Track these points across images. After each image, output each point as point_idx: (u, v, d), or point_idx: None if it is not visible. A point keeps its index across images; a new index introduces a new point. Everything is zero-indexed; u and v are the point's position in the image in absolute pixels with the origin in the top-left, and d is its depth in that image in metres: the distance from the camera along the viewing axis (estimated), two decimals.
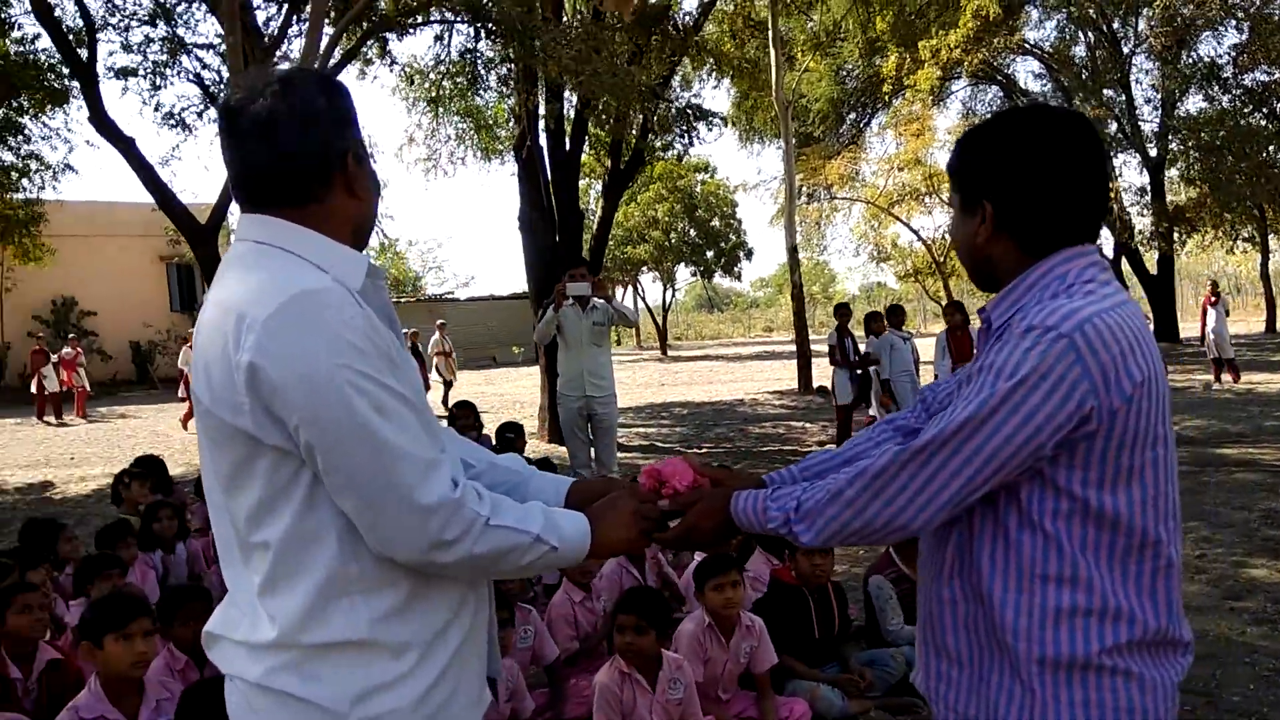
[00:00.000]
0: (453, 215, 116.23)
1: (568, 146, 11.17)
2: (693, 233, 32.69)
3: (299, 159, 1.39)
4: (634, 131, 11.70)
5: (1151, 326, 17.11)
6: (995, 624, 1.36)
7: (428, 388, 15.97)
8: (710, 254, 32.44)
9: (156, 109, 11.82)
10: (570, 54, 7.83)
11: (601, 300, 6.42)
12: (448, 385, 16.76)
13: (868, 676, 3.61)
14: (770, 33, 14.43)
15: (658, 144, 12.82)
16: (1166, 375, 1.40)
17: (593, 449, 6.55)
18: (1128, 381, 1.29)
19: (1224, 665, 3.83)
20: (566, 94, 10.83)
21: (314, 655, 1.32)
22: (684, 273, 36.36)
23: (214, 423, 1.34)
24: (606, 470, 6.39)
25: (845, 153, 20.75)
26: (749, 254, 32.37)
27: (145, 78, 11.61)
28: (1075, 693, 1.32)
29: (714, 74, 14.98)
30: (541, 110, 10.78)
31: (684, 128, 13.21)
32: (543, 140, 11.19)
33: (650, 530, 1.55)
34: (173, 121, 11.76)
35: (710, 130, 14.97)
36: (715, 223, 32.09)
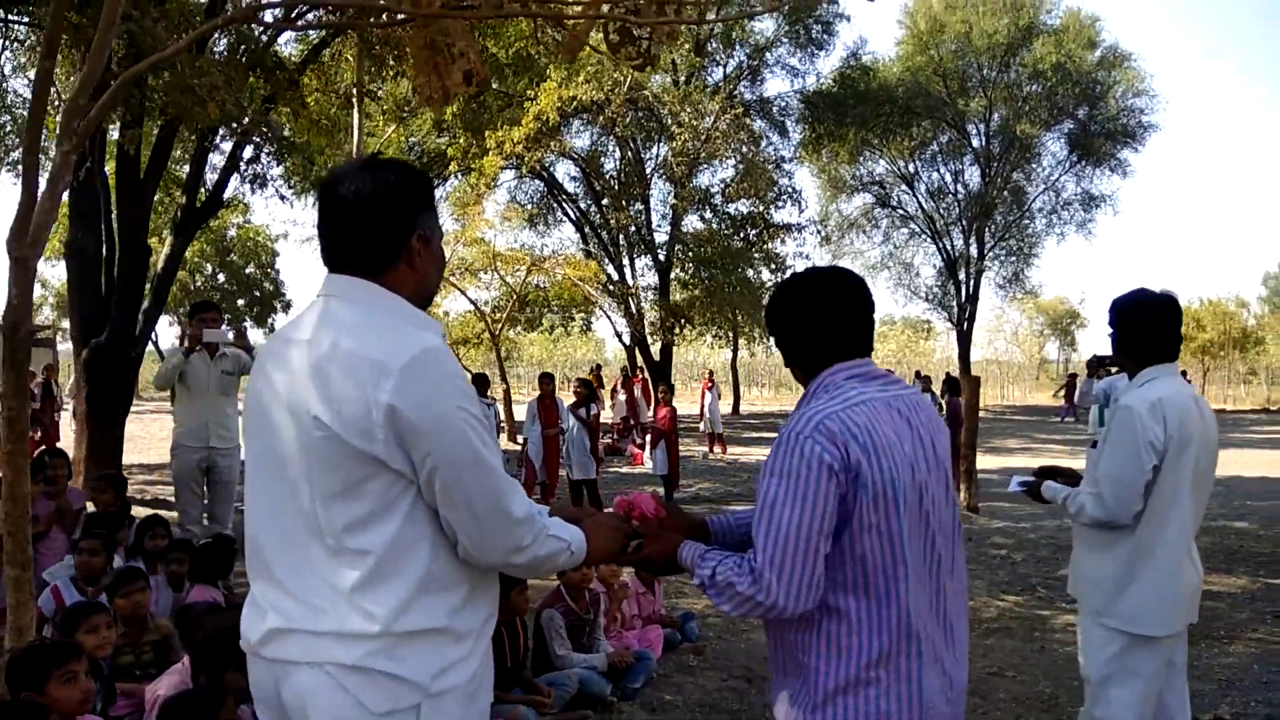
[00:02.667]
0: None
1: (142, 174, 10.22)
2: (222, 278, 30.46)
3: (373, 232, 1.73)
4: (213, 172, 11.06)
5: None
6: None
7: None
8: (242, 301, 30.48)
9: None
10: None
11: (234, 350, 6.19)
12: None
13: (551, 695, 4.19)
14: (356, 96, 14.62)
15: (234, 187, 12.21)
16: (917, 449, 1.82)
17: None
18: (852, 456, 1.73)
19: None
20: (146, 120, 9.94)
21: (404, 640, 1.62)
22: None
23: (334, 446, 1.61)
24: (221, 528, 6.10)
25: None
26: (286, 305, 31.06)
27: None
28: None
29: (291, 126, 14.65)
30: (114, 135, 9.77)
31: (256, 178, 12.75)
32: (107, 166, 10.10)
33: (624, 546, 1.97)
34: None
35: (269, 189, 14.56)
36: (250, 269, 30.33)
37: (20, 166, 9.92)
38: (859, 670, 1.75)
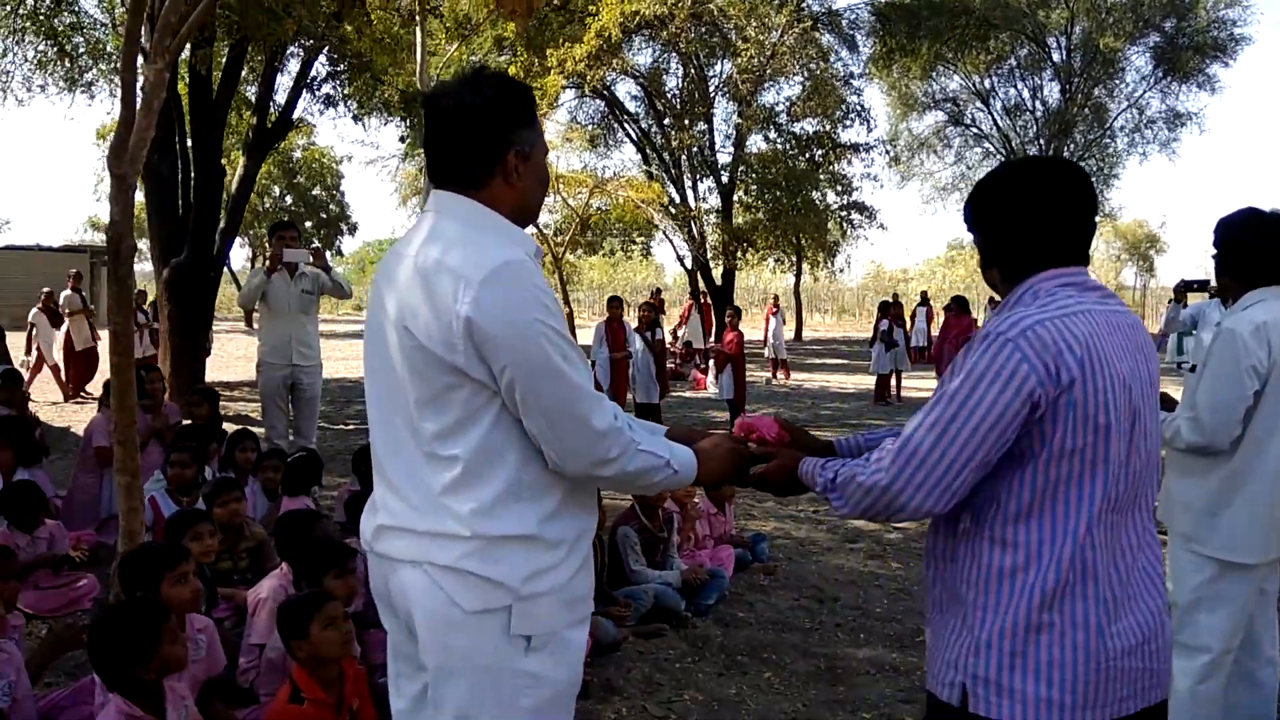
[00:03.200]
0: None
1: (214, 95, 10.33)
2: (289, 200, 30.88)
3: (470, 147, 1.73)
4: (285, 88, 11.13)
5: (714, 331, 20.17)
6: None
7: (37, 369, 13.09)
8: (309, 224, 30.92)
9: None
10: None
11: (313, 269, 6.30)
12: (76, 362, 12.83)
13: (629, 608, 4.29)
14: (419, 12, 14.47)
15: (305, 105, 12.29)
16: (1136, 371, 1.61)
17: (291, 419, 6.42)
18: (1064, 373, 1.52)
19: (862, 589, 5.12)
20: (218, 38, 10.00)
21: (495, 544, 1.67)
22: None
23: (423, 356, 1.65)
24: (306, 442, 6.29)
25: None
26: (352, 228, 31.49)
27: None
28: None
29: (353, 44, 14.60)
30: (185, 55, 9.84)
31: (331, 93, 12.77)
32: (180, 87, 10.22)
33: (743, 468, 1.90)
34: None
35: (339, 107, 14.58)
36: (317, 191, 30.69)
37: (98, 85, 10.02)
38: (1027, 612, 1.55)
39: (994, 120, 29.28)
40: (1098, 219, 1.76)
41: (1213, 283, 3.00)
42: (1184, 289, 9.98)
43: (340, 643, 2.75)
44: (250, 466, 5.27)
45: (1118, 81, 28.35)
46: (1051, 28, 27.32)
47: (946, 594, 1.68)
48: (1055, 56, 27.89)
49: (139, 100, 2.82)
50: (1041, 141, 28.24)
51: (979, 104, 29.34)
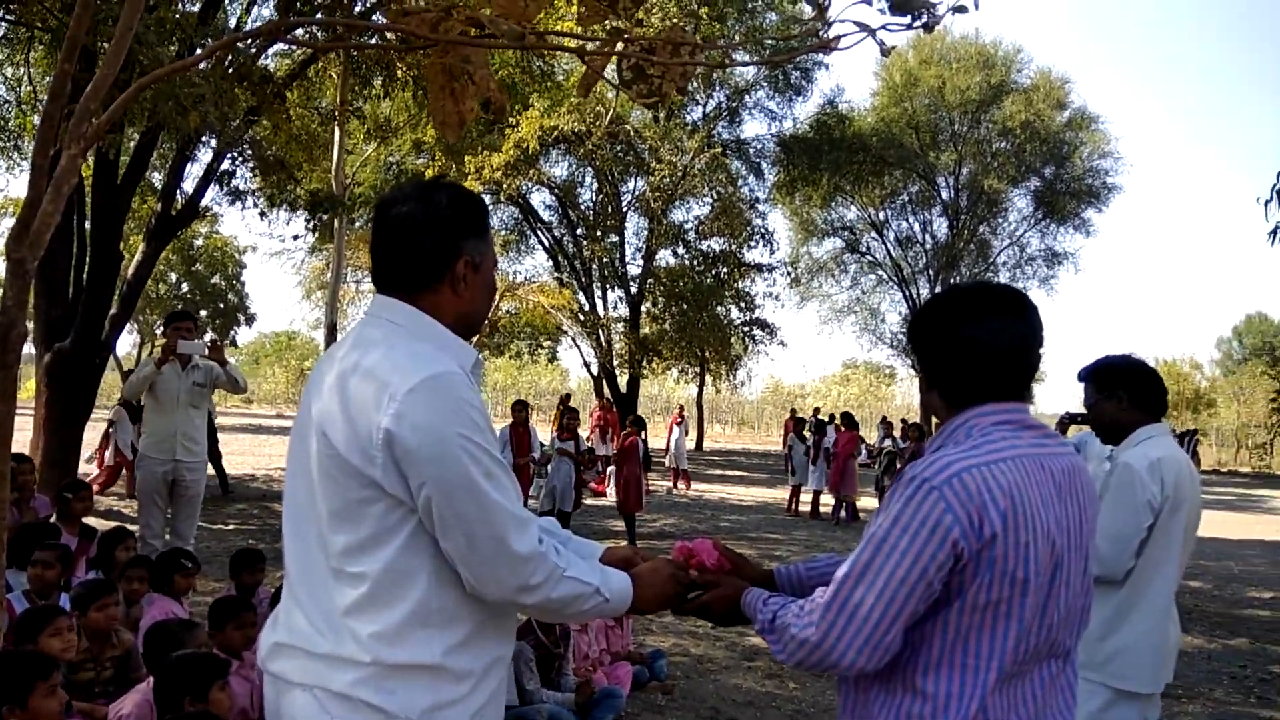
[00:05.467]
0: None
1: (119, 180, 10.08)
2: (185, 287, 30.00)
3: (419, 254, 1.72)
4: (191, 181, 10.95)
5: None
6: None
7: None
8: (205, 313, 30.00)
9: None
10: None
11: (206, 362, 6.10)
12: None
13: None
14: (339, 114, 14.60)
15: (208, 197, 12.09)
16: (1063, 521, 1.56)
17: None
18: (987, 526, 1.48)
19: (760, 709, 5.06)
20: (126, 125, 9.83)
21: (393, 673, 1.57)
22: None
23: (339, 466, 1.59)
24: (183, 544, 5.96)
25: None
26: (250, 319, 30.66)
27: None
28: None
29: (269, 140, 14.55)
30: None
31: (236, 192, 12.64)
32: (83, 170, 9.95)
33: (681, 594, 1.83)
34: None
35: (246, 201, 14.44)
36: (216, 280, 29.92)
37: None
38: None
39: (887, 249, 30.96)
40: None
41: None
42: (1068, 421, 10.48)
43: None
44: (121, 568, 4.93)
45: (1001, 220, 30.51)
46: (941, 168, 29.36)
47: None
48: (944, 194, 29.88)
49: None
50: (930, 272, 29.90)
51: (874, 233, 31.03)
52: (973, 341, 1.63)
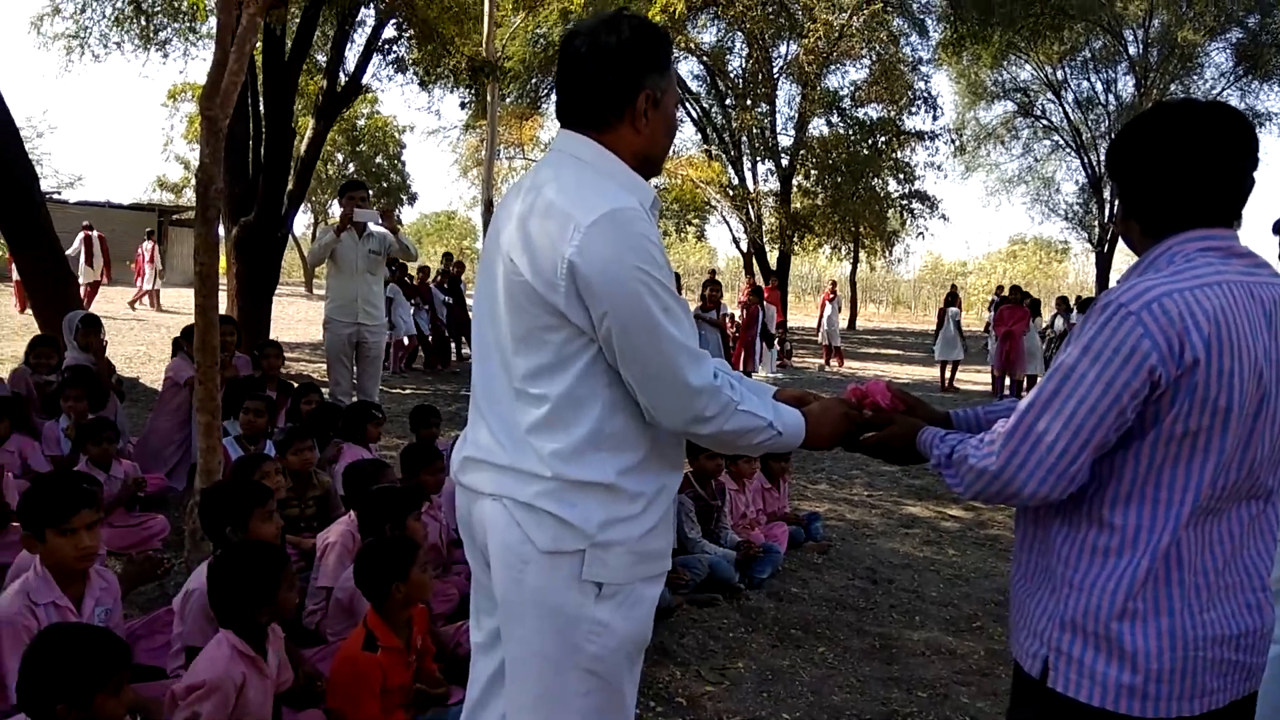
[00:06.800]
0: (60, 104, 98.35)
1: (287, 57, 10.47)
2: (352, 167, 31.25)
3: (601, 88, 1.72)
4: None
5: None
6: None
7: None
8: (371, 193, 31.25)
9: None
10: None
11: (380, 229, 6.38)
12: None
13: (685, 575, 4.30)
14: None
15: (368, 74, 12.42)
16: (1271, 352, 1.47)
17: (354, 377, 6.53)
18: (1189, 351, 1.40)
19: (917, 572, 5.07)
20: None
21: (573, 488, 1.67)
22: (337, 209, 34.64)
23: (527, 293, 1.65)
24: (369, 399, 6.41)
25: (536, 116, 21.36)
26: (412, 198, 31.78)
27: None
28: None
29: (421, 10, 14.63)
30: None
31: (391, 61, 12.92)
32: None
33: (853, 433, 1.86)
34: None
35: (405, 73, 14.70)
36: (379, 160, 31.01)
37: (172, 45, 10.26)
38: (1115, 596, 1.49)
39: (1065, 112, 28.58)
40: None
41: None
42: None
43: (429, 585, 2.80)
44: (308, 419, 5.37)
45: (1195, 77, 27.45)
46: (1129, 20, 26.51)
47: (1037, 563, 1.62)
48: (1131, 49, 27.10)
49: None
50: (1113, 136, 27.48)
51: (1050, 95, 28.65)
52: (1178, 160, 1.51)
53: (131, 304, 18.87)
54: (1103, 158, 28.14)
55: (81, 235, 17.75)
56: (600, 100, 1.71)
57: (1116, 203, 1.64)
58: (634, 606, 1.73)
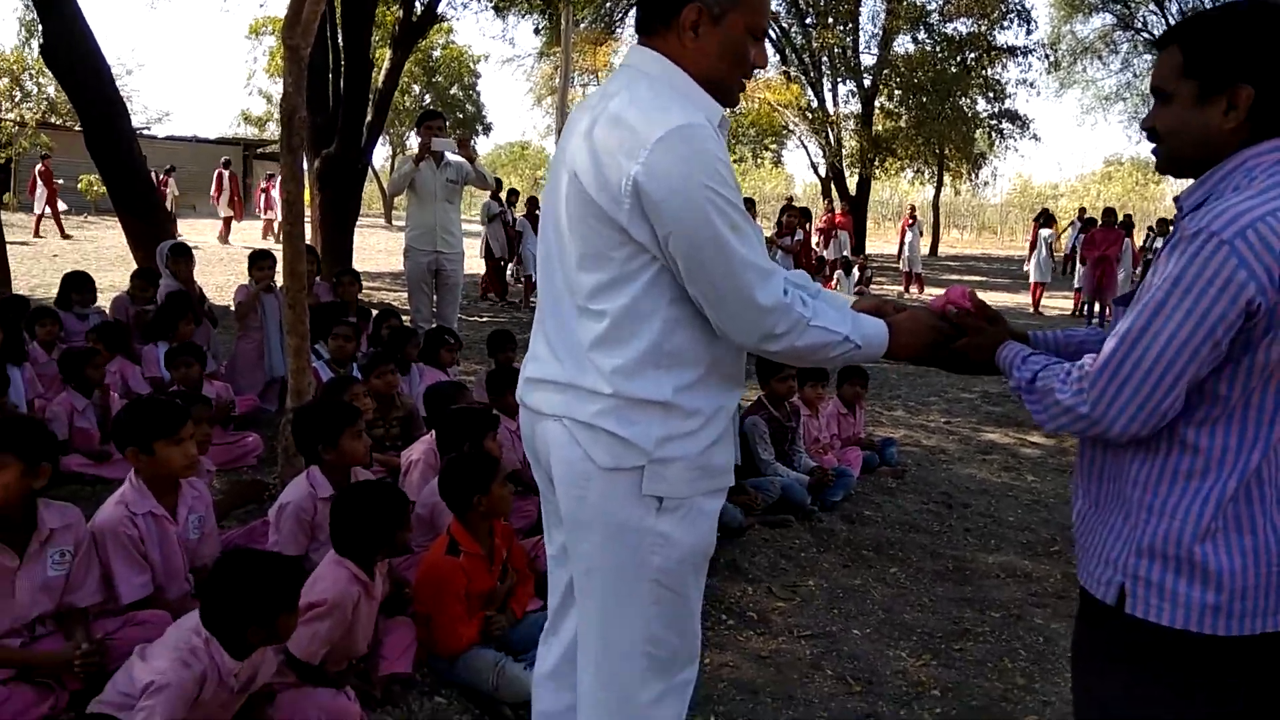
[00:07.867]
0: (148, 41, 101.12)
1: None
2: (428, 98, 31.39)
3: None
4: None
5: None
6: None
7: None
8: (447, 122, 31.43)
9: None
10: None
11: (457, 158, 6.44)
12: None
13: (757, 497, 4.36)
14: None
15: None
16: None
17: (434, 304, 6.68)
18: None
19: (994, 498, 5.03)
20: None
21: (632, 406, 1.68)
22: (414, 140, 34.94)
23: (591, 209, 1.65)
24: (447, 325, 6.55)
25: (611, 40, 21.05)
26: (487, 129, 31.89)
27: None
28: None
29: None
30: None
31: None
32: None
33: (941, 342, 1.81)
34: None
35: None
36: (454, 91, 31.07)
37: None
38: (1199, 518, 1.44)
39: (1168, 23, 26.79)
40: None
41: None
42: None
43: (509, 500, 2.91)
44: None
45: None
46: None
47: (1108, 490, 1.57)
48: None
49: None
50: None
51: (1152, 6, 26.84)
52: (1252, 61, 1.41)
53: (222, 235, 19.40)
54: None
55: (216, 174, 19.11)
56: (652, 6, 1.71)
57: (1229, 107, 1.44)
58: (695, 519, 1.76)
